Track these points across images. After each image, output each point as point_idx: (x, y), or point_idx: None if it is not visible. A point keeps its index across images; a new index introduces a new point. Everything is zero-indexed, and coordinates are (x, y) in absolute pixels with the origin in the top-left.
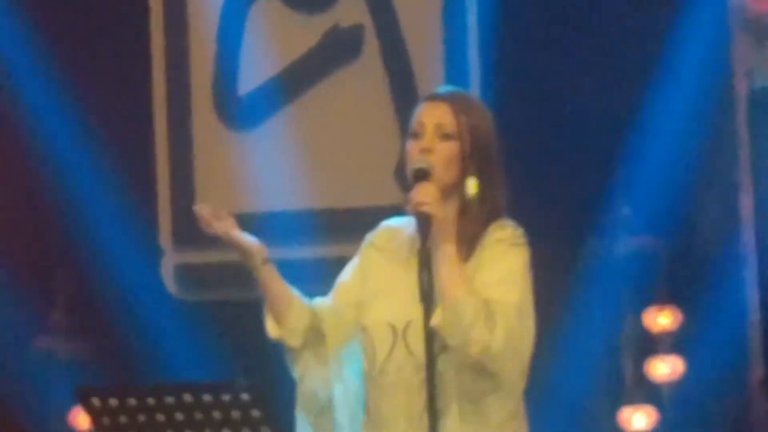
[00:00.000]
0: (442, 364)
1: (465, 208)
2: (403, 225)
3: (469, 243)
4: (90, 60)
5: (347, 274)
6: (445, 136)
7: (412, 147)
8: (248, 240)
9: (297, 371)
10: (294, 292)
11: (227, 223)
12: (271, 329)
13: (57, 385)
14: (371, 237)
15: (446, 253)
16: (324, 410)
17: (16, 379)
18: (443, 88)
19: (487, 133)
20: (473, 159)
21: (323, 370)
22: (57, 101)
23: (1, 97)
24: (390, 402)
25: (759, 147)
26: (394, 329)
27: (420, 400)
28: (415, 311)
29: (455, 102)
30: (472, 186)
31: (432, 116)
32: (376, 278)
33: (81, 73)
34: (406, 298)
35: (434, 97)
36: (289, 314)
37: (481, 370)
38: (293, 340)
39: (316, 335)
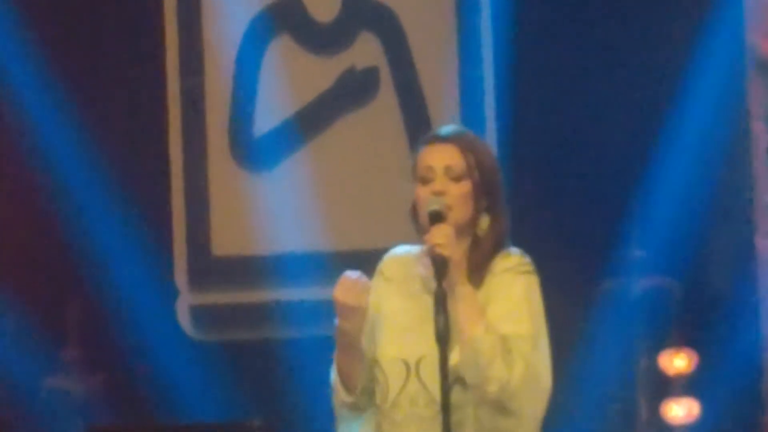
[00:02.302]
0: (459, 400)
1: (475, 242)
2: (411, 254)
3: (477, 272)
4: (107, 100)
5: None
6: (456, 177)
7: (424, 191)
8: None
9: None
10: (363, 353)
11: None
12: (344, 394)
13: (70, 422)
14: (380, 265)
15: (464, 292)
16: None
17: (30, 416)
18: (443, 129)
19: (492, 167)
20: (484, 195)
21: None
22: (73, 143)
23: (19, 139)
24: None
25: None
26: (407, 364)
27: None
28: (428, 346)
29: (459, 141)
30: (485, 223)
31: (439, 159)
32: (385, 309)
33: (99, 114)
34: (418, 332)
35: (437, 139)
36: (361, 377)
37: (501, 409)
38: (362, 401)
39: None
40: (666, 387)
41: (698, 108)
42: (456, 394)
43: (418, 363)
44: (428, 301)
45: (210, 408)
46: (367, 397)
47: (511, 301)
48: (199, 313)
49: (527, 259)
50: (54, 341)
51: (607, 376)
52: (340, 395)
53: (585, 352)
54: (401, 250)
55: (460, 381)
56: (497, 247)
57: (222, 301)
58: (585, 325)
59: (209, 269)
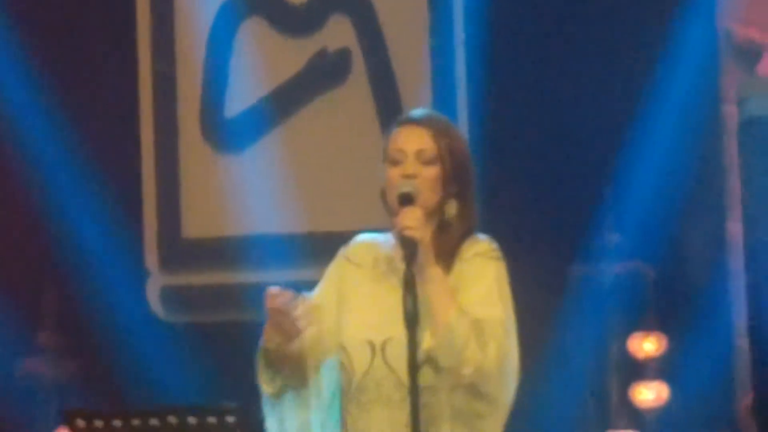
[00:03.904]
0: (430, 382)
1: (443, 227)
2: (378, 240)
3: (446, 258)
4: (78, 83)
5: (322, 298)
6: (427, 161)
7: (394, 173)
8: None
9: (275, 417)
10: (293, 348)
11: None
12: (267, 386)
13: (43, 406)
14: (345, 251)
15: (435, 275)
16: None
17: (4, 400)
18: (416, 112)
19: (464, 153)
20: (454, 180)
21: (302, 413)
22: (45, 124)
23: None
24: (370, 419)
25: (749, 175)
26: (372, 346)
27: (401, 416)
28: (394, 328)
29: (432, 126)
30: (452, 207)
31: (412, 142)
32: (351, 293)
33: (70, 96)
34: (384, 314)
35: (409, 122)
36: (285, 366)
37: (475, 392)
38: (281, 390)
39: (300, 377)
40: (636, 370)
41: (671, 93)
42: (426, 377)
43: (383, 345)
44: (396, 285)
45: (183, 390)
46: (282, 387)
47: (483, 285)
48: (169, 295)
49: (495, 245)
50: (28, 325)
51: (580, 360)
52: (265, 385)
53: (558, 336)
54: (367, 236)
55: (431, 363)
56: (466, 233)
57: (193, 282)
58: (558, 309)
59: (180, 251)
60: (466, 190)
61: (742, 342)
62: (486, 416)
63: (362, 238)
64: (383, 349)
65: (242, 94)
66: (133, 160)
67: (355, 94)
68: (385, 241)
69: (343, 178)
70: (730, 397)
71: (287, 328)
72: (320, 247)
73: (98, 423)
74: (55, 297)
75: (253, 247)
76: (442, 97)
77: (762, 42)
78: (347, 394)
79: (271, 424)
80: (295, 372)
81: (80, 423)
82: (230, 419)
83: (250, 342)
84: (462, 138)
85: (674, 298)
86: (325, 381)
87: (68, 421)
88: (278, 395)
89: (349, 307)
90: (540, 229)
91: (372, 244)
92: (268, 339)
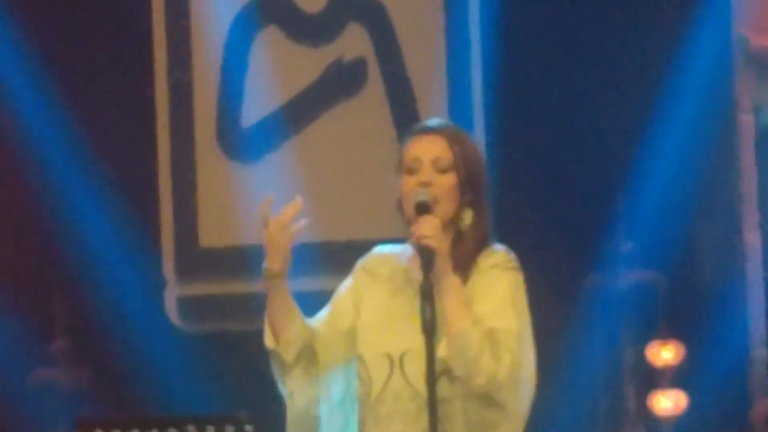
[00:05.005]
0: (446, 392)
1: (459, 236)
2: (396, 252)
3: (462, 269)
4: (95, 92)
5: (342, 300)
6: (443, 169)
7: (410, 181)
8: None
9: (287, 388)
10: (296, 307)
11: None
12: (269, 340)
13: (58, 415)
14: (363, 262)
15: (451, 285)
16: (312, 429)
17: (17, 409)
18: (431, 121)
19: (479, 162)
20: (468, 189)
21: (313, 388)
22: (61, 132)
23: (6, 132)
24: (386, 430)
25: (766, 182)
26: (390, 358)
27: (417, 428)
28: (412, 340)
29: (447, 134)
30: (468, 216)
31: (427, 151)
32: (368, 305)
33: (86, 105)
34: (402, 327)
35: (425, 131)
36: (289, 328)
37: (488, 401)
38: (288, 354)
39: (310, 353)
40: (654, 379)
41: (686, 102)
42: (442, 387)
43: (402, 357)
44: (413, 296)
45: (198, 399)
46: (294, 355)
47: (498, 296)
48: (186, 304)
49: (512, 256)
50: (42, 333)
51: (596, 369)
52: (266, 339)
53: (573, 345)
54: (384, 248)
55: (447, 373)
56: (482, 242)
57: (210, 291)
58: (573, 317)
59: (197, 260)
60: (481, 198)
61: (758, 351)
62: (499, 425)
63: (379, 249)
64: (401, 362)
65: (258, 103)
66: (150, 169)
67: (370, 103)
68: (402, 252)
69: (358, 188)
70: (746, 406)
71: (275, 240)
72: (336, 256)
73: None
74: (70, 306)
75: None
76: (458, 106)
77: None
78: (365, 406)
79: (285, 394)
80: (304, 348)
81: None
82: (248, 428)
83: (267, 351)
84: (476, 146)
85: (688, 306)
86: (334, 386)
87: (84, 429)
88: (286, 365)
89: (365, 318)
90: (554, 239)
91: (389, 256)
92: (266, 263)
